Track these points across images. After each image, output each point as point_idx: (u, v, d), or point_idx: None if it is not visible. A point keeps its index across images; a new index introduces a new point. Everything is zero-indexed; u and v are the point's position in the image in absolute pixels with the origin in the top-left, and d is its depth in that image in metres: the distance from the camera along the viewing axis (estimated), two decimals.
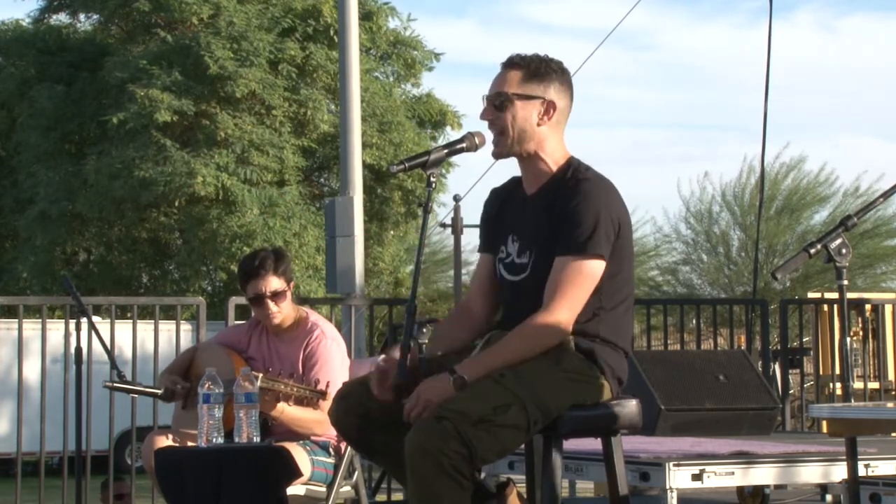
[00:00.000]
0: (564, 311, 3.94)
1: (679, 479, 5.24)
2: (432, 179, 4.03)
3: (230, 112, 23.72)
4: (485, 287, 4.23)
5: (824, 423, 6.18)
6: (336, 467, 5.43)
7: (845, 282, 4.27)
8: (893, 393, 12.03)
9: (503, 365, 3.89)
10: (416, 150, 21.96)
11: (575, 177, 4.05)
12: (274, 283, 5.44)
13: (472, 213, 23.62)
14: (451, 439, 3.70)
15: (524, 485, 4.30)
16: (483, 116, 4.09)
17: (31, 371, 10.46)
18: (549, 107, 4.08)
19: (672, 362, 7.17)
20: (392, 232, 25.59)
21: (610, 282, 4.03)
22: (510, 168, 4.23)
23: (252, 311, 5.61)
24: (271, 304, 5.43)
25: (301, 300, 5.77)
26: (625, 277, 4.07)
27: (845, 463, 4.24)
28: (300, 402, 5.20)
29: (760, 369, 8.22)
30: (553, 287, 3.95)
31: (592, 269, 3.96)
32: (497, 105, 4.07)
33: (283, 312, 5.46)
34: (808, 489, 7.35)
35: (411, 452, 3.73)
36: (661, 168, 55.40)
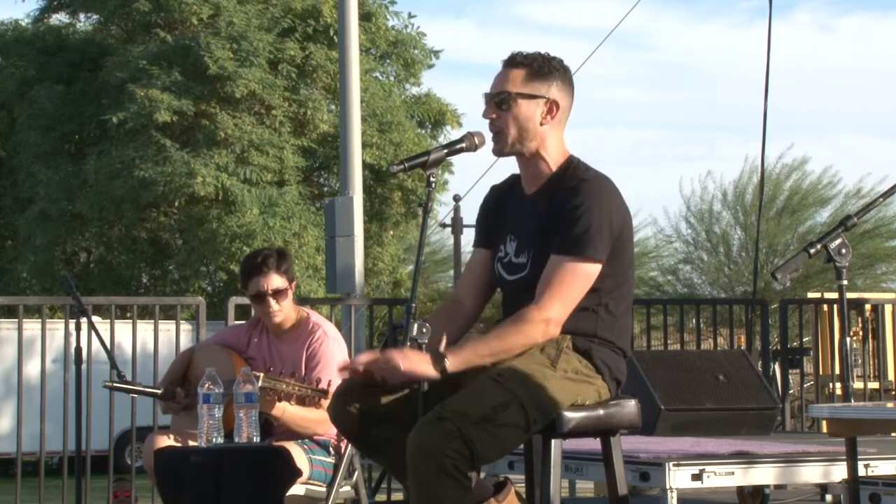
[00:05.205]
0: (556, 308, 3.89)
1: (679, 479, 5.23)
2: (432, 179, 3.99)
3: (230, 112, 23.72)
4: (477, 280, 4.20)
5: (824, 423, 6.18)
6: (336, 467, 5.43)
7: (845, 282, 4.26)
8: (893, 393, 12.02)
9: (490, 356, 3.85)
10: (416, 150, 21.96)
11: (575, 176, 4.00)
12: (276, 280, 5.44)
13: (472, 212, 23.52)
14: (453, 439, 3.68)
15: (524, 485, 4.30)
16: (485, 115, 4.04)
17: (32, 371, 10.46)
18: (552, 106, 4.04)
19: (672, 362, 7.16)
20: (392, 232, 25.58)
21: (609, 283, 3.99)
22: (510, 167, 4.21)
23: (253, 309, 5.62)
24: (272, 302, 5.44)
25: (301, 300, 5.76)
26: (624, 279, 4.04)
27: (845, 463, 4.24)
28: (302, 401, 5.20)
29: (760, 369, 8.22)
30: (545, 284, 3.91)
31: (587, 272, 3.92)
32: (499, 103, 4.02)
33: (283, 311, 5.46)
34: (808, 489, 7.34)
35: (412, 453, 3.71)
36: (661, 168, 55.45)
